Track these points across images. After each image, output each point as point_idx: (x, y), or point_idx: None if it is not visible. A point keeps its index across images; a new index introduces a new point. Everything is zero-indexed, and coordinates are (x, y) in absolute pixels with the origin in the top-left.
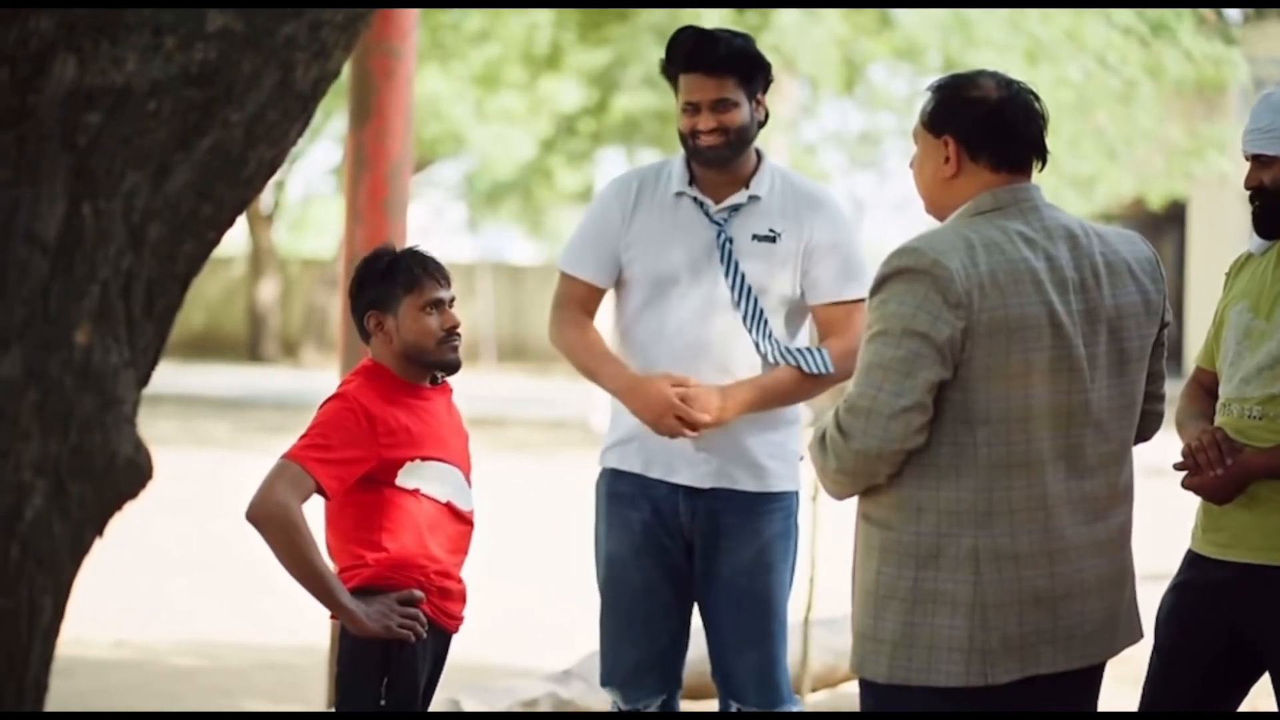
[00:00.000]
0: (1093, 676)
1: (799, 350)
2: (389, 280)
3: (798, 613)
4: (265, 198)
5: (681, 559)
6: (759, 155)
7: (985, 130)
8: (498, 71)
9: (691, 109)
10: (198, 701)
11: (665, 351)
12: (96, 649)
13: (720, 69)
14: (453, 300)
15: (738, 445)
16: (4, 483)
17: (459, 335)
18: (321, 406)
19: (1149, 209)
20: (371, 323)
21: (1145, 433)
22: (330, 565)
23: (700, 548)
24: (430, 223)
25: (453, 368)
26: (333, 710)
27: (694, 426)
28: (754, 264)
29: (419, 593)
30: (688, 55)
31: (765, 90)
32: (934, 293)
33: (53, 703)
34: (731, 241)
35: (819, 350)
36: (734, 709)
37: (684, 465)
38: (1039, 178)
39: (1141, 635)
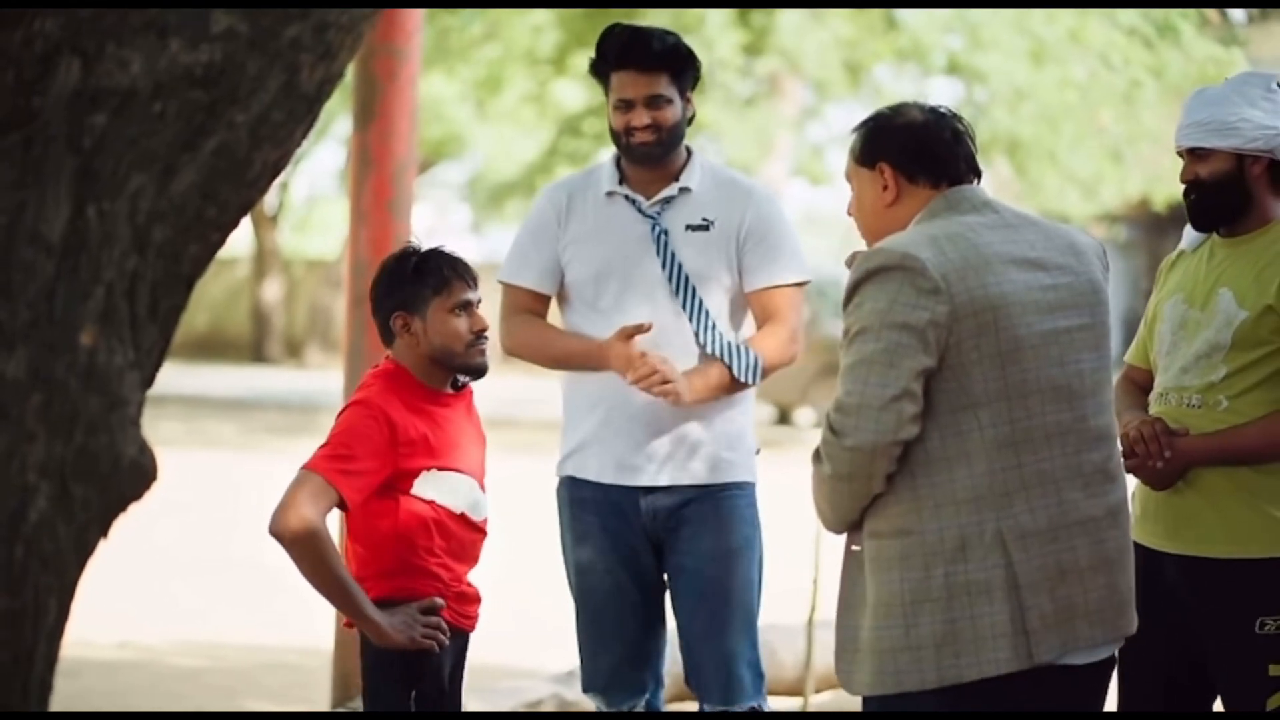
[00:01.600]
0: (1108, 669)
1: (736, 349)
2: (417, 281)
3: (802, 614)
4: (270, 199)
5: (648, 558)
6: (688, 151)
7: (917, 150)
8: (501, 73)
9: (625, 106)
10: (204, 702)
11: None
12: (102, 650)
13: (653, 65)
14: (479, 301)
15: (693, 441)
16: (9, 484)
17: (487, 338)
18: (343, 412)
19: (1153, 210)
20: (398, 324)
21: None
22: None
23: (666, 544)
24: (434, 224)
25: (480, 371)
26: (340, 711)
27: (667, 391)
28: (690, 253)
29: (440, 600)
30: (620, 52)
31: (693, 88)
32: (907, 284)
33: (59, 704)
34: (667, 233)
35: (753, 357)
36: (704, 706)
37: (642, 465)
38: (1035, 176)
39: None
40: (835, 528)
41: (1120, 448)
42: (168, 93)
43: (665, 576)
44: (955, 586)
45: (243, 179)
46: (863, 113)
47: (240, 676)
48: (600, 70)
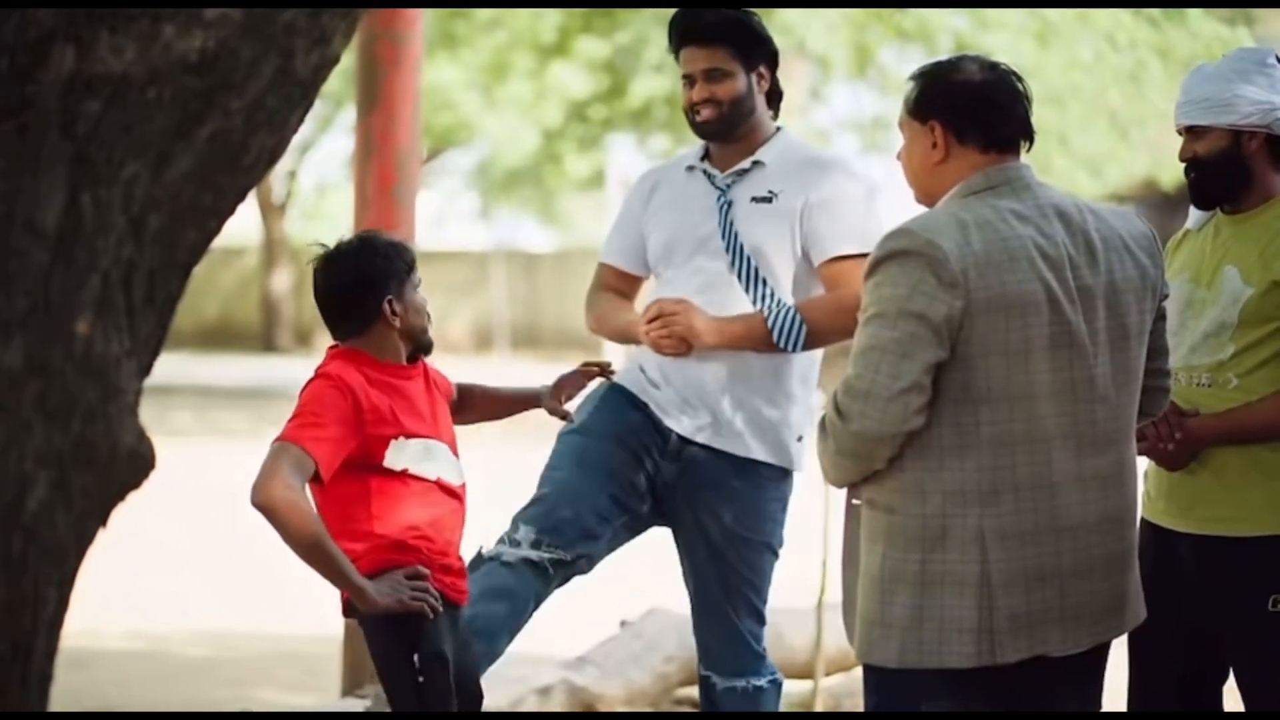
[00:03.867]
0: (1099, 656)
1: (783, 312)
2: (397, 263)
3: (811, 596)
4: (278, 187)
5: (644, 474)
6: (777, 129)
7: (971, 112)
8: (507, 59)
9: (689, 82)
10: (215, 693)
11: None
12: (112, 640)
13: (710, 39)
14: None
15: (729, 410)
16: (7, 474)
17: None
18: (305, 389)
19: (1161, 189)
20: (390, 309)
21: (1152, 409)
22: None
23: (682, 492)
24: (443, 211)
25: (431, 347)
26: (349, 699)
27: (673, 342)
28: (751, 224)
29: (424, 569)
30: (682, 29)
31: (772, 65)
32: (928, 273)
33: (68, 694)
34: (731, 205)
35: (797, 322)
36: (705, 675)
37: (678, 413)
38: (1042, 156)
39: (1145, 614)
40: (837, 486)
41: (1135, 446)
42: (162, 79)
43: (673, 527)
44: (930, 575)
45: (239, 165)
46: (870, 96)
47: (251, 666)
48: (674, 52)
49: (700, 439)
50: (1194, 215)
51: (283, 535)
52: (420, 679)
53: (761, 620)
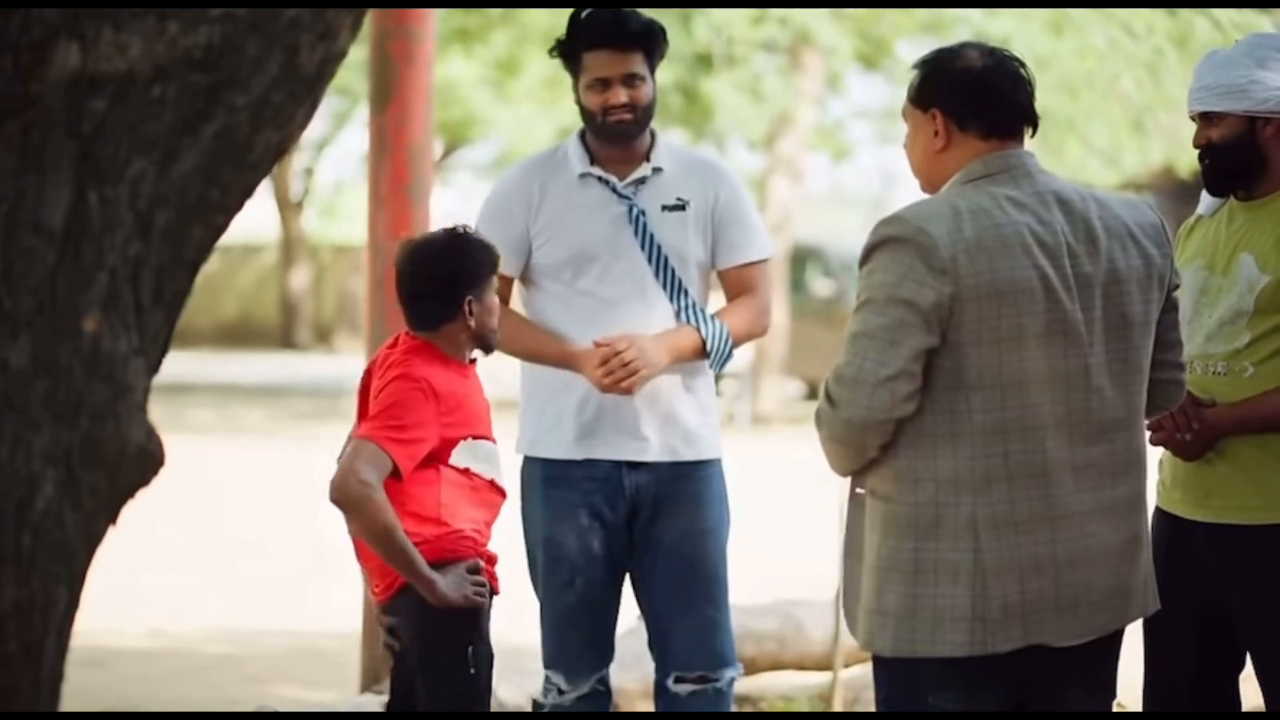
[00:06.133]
0: (1106, 646)
1: (717, 331)
2: (481, 261)
3: (829, 590)
4: (295, 185)
5: (622, 533)
6: (652, 133)
7: (971, 99)
8: (519, 54)
9: (601, 85)
10: (236, 690)
11: (591, 329)
12: (133, 639)
13: (630, 44)
14: None
15: (673, 418)
16: (15, 473)
17: None
18: (386, 386)
19: (1178, 177)
20: (470, 309)
21: (1166, 401)
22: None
23: (642, 517)
24: (459, 207)
25: (494, 347)
26: (368, 695)
27: (630, 383)
28: (666, 233)
29: (481, 562)
30: (597, 32)
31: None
32: (918, 260)
33: (91, 694)
34: (644, 214)
35: (728, 346)
36: (671, 678)
37: (621, 440)
38: (1056, 144)
39: (1157, 605)
40: (838, 474)
41: (1142, 435)
42: (167, 76)
43: (633, 554)
44: (923, 563)
45: (244, 162)
46: (886, 86)
47: (270, 663)
48: (570, 50)
49: (652, 456)
50: (1205, 201)
51: (358, 529)
52: (472, 670)
53: (729, 611)
